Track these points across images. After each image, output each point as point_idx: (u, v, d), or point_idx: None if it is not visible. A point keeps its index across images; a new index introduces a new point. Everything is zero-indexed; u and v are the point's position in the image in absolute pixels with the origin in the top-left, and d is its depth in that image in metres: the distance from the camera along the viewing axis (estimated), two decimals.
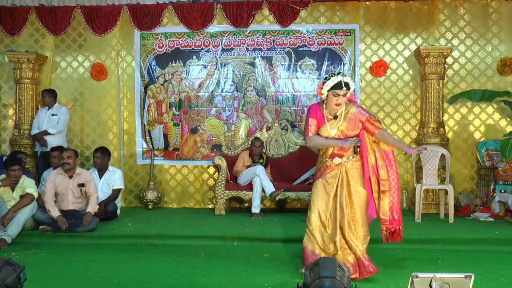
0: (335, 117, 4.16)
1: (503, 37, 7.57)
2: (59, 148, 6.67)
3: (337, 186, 4.16)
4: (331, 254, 4.10)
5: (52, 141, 7.12)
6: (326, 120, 4.18)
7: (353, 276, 3.99)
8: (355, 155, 4.21)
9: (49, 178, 5.94)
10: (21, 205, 5.46)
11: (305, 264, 4.09)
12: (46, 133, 7.20)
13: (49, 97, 7.37)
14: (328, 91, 4.09)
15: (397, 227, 4.23)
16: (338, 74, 4.10)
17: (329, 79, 4.09)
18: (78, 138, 8.01)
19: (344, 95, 4.07)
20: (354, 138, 4.12)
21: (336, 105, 4.10)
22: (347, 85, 4.06)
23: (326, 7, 7.77)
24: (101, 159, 6.67)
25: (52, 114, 7.32)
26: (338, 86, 4.05)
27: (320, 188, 4.20)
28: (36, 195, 5.63)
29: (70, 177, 5.91)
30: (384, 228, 4.25)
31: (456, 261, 4.67)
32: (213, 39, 7.85)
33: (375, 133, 4.18)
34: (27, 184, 5.63)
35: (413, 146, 4.28)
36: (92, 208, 5.81)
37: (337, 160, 4.20)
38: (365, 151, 4.23)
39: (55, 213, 5.66)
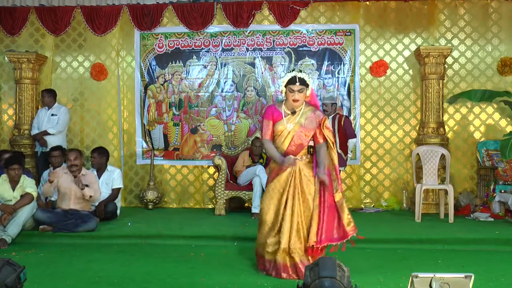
0: (293, 113, 4.17)
1: (503, 37, 7.57)
2: (59, 148, 6.68)
3: (289, 185, 4.13)
4: (272, 253, 4.10)
5: (52, 141, 7.12)
6: (283, 116, 4.18)
7: (284, 275, 4.02)
8: (308, 155, 4.22)
9: (55, 172, 5.98)
10: (21, 204, 5.46)
11: (259, 268, 4.22)
12: (46, 133, 7.20)
13: (49, 97, 7.36)
14: (285, 87, 4.15)
15: (325, 244, 4.09)
16: (293, 70, 4.16)
17: (285, 75, 4.16)
18: (78, 138, 8.01)
19: (300, 90, 4.08)
20: (291, 157, 4.08)
21: (294, 101, 4.11)
22: (301, 80, 4.08)
23: (326, 7, 7.77)
24: (97, 159, 6.67)
25: (52, 114, 7.32)
26: (292, 81, 4.09)
27: (273, 188, 4.17)
28: (35, 195, 5.63)
29: (75, 177, 5.92)
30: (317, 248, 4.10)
31: (456, 261, 4.67)
32: (213, 39, 7.85)
33: (318, 143, 4.16)
34: (27, 184, 5.63)
35: (322, 173, 4.12)
36: (88, 192, 5.83)
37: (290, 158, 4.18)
38: (316, 154, 4.21)
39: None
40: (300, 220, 4.08)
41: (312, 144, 4.20)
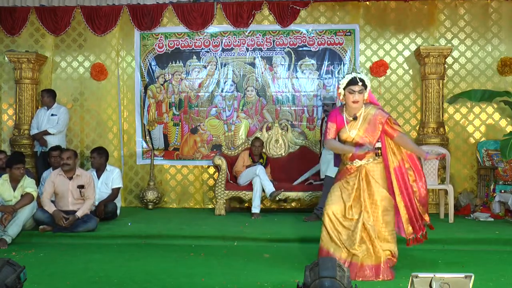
0: (355, 119, 4.13)
1: (503, 37, 7.57)
2: (59, 148, 6.67)
3: (357, 188, 4.10)
4: (348, 253, 4.06)
5: (52, 141, 7.13)
6: (345, 122, 4.16)
7: (371, 278, 3.98)
8: (376, 158, 4.16)
9: (48, 179, 5.92)
10: (21, 204, 5.45)
11: None
12: (46, 133, 7.21)
13: (48, 97, 7.37)
14: (344, 89, 4.11)
15: (422, 233, 4.25)
16: (352, 72, 4.16)
17: (343, 78, 4.14)
18: (78, 138, 8.01)
19: (360, 91, 4.06)
20: (367, 144, 4.06)
21: (353, 102, 4.07)
22: (362, 80, 4.07)
23: (326, 7, 7.77)
24: (97, 159, 6.66)
25: (52, 114, 7.33)
26: (352, 82, 4.07)
27: (336, 191, 4.16)
28: (35, 194, 5.62)
29: (70, 178, 5.89)
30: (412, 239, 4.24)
31: (456, 261, 4.67)
32: (213, 39, 7.85)
33: (394, 137, 4.13)
34: (27, 184, 5.63)
35: (429, 152, 4.21)
36: (81, 212, 5.73)
37: (357, 162, 4.15)
38: (386, 154, 4.17)
39: (50, 209, 5.66)
40: (369, 224, 4.05)
41: (380, 146, 4.15)
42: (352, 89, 4.06)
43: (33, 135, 7.32)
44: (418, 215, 4.22)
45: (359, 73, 4.13)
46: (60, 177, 5.89)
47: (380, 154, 4.18)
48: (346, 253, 4.05)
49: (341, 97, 4.17)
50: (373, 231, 4.02)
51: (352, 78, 4.08)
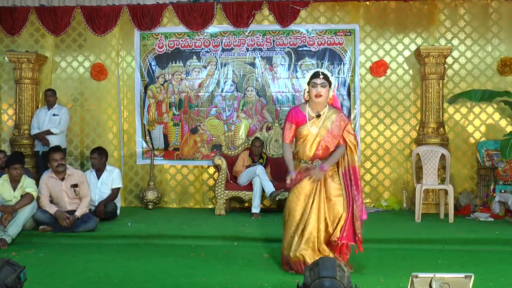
0: (318, 116, 4.18)
1: (503, 37, 7.57)
2: (59, 149, 6.66)
3: (317, 190, 4.15)
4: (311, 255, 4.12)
5: (52, 141, 7.14)
6: (308, 119, 4.20)
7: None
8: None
9: (41, 182, 5.87)
10: (21, 204, 5.45)
11: (283, 267, 4.26)
12: (48, 132, 7.22)
13: (52, 96, 7.41)
14: (308, 84, 4.18)
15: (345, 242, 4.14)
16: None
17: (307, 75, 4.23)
18: (78, 138, 8.01)
19: (323, 85, 4.11)
20: (291, 179, 4.14)
21: (316, 96, 4.12)
22: (324, 75, 4.13)
23: (326, 7, 7.77)
24: (98, 159, 6.66)
25: (53, 114, 7.34)
26: (315, 75, 4.14)
27: (299, 192, 4.19)
28: (35, 195, 5.62)
29: (62, 179, 5.86)
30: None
31: (456, 261, 4.67)
32: (213, 39, 7.85)
33: (339, 144, 4.19)
34: (27, 184, 5.63)
35: (319, 167, 4.18)
36: (80, 212, 5.73)
37: (317, 162, 4.21)
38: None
39: (52, 210, 5.65)
40: (325, 220, 4.12)
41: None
42: (315, 82, 4.13)
43: (35, 135, 7.32)
44: (351, 226, 4.13)
45: (323, 69, 4.21)
46: (52, 179, 5.86)
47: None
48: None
49: (306, 94, 4.23)
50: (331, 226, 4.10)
51: (315, 72, 4.17)
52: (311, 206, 4.14)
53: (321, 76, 4.12)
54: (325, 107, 4.20)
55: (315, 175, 4.12)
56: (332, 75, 4.26)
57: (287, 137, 4.28)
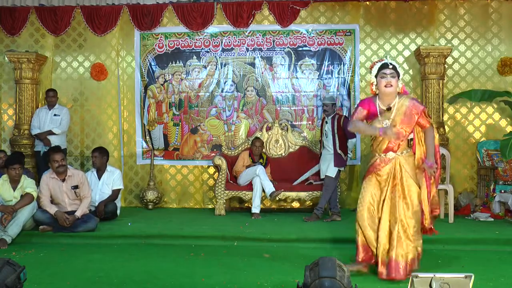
0: (389, 109, 4.09)
1: (503, 37, 7.57)
2: (59, 149, 6.66)
3: (390, 181, 4.08)
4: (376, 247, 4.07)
5: (53, 141, 7.15)
6: (379, 112, 4.12)
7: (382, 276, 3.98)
8: (409, 150, 4.13)
9: (42, 182, 5.85)
10: (21, 204, 5.45)
11: (357, 260, 4.16)
12: (50, 133, 7.23)
13: (54, 96, 7.42)
14: (376, 76, 4.09)
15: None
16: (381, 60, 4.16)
17: (374, 67, 4.14)
18: (78, 138, 8.01)
19: (392, 75, 4.03)
20: (393, 128, 3.97)
21: (386, 86, 4.02)
22: (393, 65, 4.06)
23: (326, 7, 7.77)
24: (99, 159, 6.66)
25: (54, 115, 7.34)
26: (384, 66, 4.07)
27: (372, 183, 4.14)
28: (35, 195, 5.62)
29: (63, 180, 5.85)
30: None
31: (456, 261, 4.67)
32: (213, 39, 7.85)
33: (426, 128, 4.13)
34: (27, 184, 5.63)
35: (428, 165, 4.14)
36: (81, 212, 5.73)
37: (391, 154, 4.12)
38: (415, 144, 4.16)
39: (52, 210, 5.64)
40: (402, 222, 4.03)
41: (412, 137, 4.12)
42: (384, 72, 4.04)
43: (36, 135, 7.32)
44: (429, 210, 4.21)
45: (391, 61, 4.12)
46: (53, 180, 5.84)
47: (411, 145, 4.15)
48: (381, 252, 4.02)
49: (374, 87, 4.13)
50: (401, 226, 4.01)
51: (383, 63, 4.09)
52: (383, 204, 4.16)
53: (391, 67, 4.05)
54: (396, 98, 4.10)
55: (429, 173, 4.10)
56: (399, 67, 4.16)
57: (357, 117, 4.18)
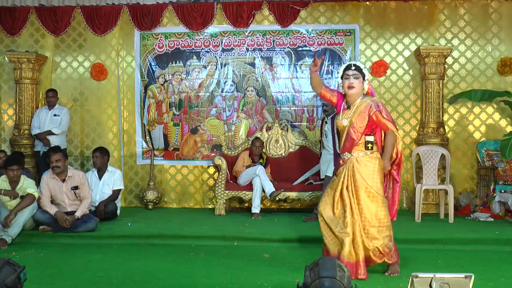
0: (349, 108, 4.18)
1: (503, 37, 7.57)
2: (58, 149, 6.66)
3: (342, 182, 4.11)
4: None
5: (53, 141, 7.15)
6: (342, 109, 4.22)
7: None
8: (367, 152, 4.12)
9: (42, 182, 5.86)
10: (23, 205, 5.45)
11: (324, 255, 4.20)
12: (49, 133, 7.23)
13: (54, 96, 7.42)
14: (341, 78, 4.17)
15: None
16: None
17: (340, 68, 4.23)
18: (78, 138, 8.01)
19: (355, 76, 4.09)
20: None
21: (349, 87, 4.10)
22: (356, 66, 4.12)
23: (326, 7, 7.77)
24: (100, 159, 6.66)
25: (54, 115, 7.35)
26: (347, 67, 4.15)
27: (330, 185, 4.26)
28: (37, 195, 5.61)
29: (63, 180, 5.84)
30: None
31: (456, 261, 4.68)
32: (213, 39, 7.85)
33: (386, 130, 4.14)
34: (27, 185, 5.62)
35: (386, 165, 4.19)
36: (81, 212, 5.73)
37: (346, 155, 4.18)
38: (380, 148, 4.20)
39: (52, 210, 5.64)
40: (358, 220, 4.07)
41: (371, 140, 4.13)
42: (347, 73, 4.13)
43: (36, 135, 7.32)
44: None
45: (356, 62, 4.25)
46: (53, 180, 5.84)
47: (371, 148, 4.13)
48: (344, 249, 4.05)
49: (341, 88, 4.23)
50: (357, 227, 4.04)
51: (347, 64, 4.19)
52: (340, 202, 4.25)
53: (353, 68, 4.12)
54: (358, 99, 4.15)
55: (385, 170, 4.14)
56: (365, 67, 4.22)
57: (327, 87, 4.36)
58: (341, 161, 4.24)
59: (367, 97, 4.17)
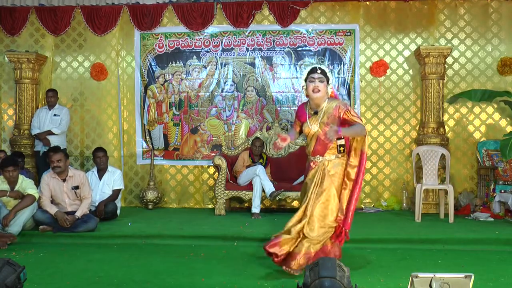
0: (316, 113, 4.19)
1: (503, 37, 7.57)
2: (58, 149, 6.66)
3: (314, 185, 4.16)
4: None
5: (53, 141, 7.15)
6: (307, 117, 4.22)
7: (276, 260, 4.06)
8: (339, 155, 4.18)
9: (42, 182, 5.87)
10: (23, 206, 5.45)
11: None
12: (49, 133, 7.23)
13: (54, 96, 7.43)
14: (306, 80, 4.18)
15: (345, 229, 4.17)
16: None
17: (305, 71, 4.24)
18: (78, 138, 8.01)
19: (320, 80, 4.10)
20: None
21: (314, 90, 4.10)
22: (321, 69, 4.14)
23: (326, 7, 7.77)
24: (103, 158, 6.68)
25: (54, 115, 7.35)
26: (312, 70, 4.15)
27: (303, 190, 4.33)
28: (37, 196, 5.61)
29: (64, 180, 5.85)
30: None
31: (456, 261, 4.67)
32: (213, 39, 7.85)
33: (354, 123, 4.15)
34: (27, 185, 5.61)
35: (331, 127, 4.02)
36: (81, 212, 5.73)
37: (318, 158, 4.22)
38: (349, 152, 4.23)
39: (52, 210, 5.64)
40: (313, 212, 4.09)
41: (343, 143, 4.16)
42: (313, 76, 4.12)
43: (36, 135, 7.32)
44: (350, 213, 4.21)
45: (320, 64, 4.22)
46: (54, 180, 5.84)
47: (342, 151, 4.18)
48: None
49: (305, 91, 4.22)
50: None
51: (312, 67, 4.18)
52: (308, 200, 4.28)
53: (319, 71, 4.13)
54: (324, 102, 4.17)
55: (328, 134, 3.99)
56: (329, 71, 4.25)
57: (293, 125, 4.46)
58: (312, 164, 4.26)
59: (333, 100, 4.21)
